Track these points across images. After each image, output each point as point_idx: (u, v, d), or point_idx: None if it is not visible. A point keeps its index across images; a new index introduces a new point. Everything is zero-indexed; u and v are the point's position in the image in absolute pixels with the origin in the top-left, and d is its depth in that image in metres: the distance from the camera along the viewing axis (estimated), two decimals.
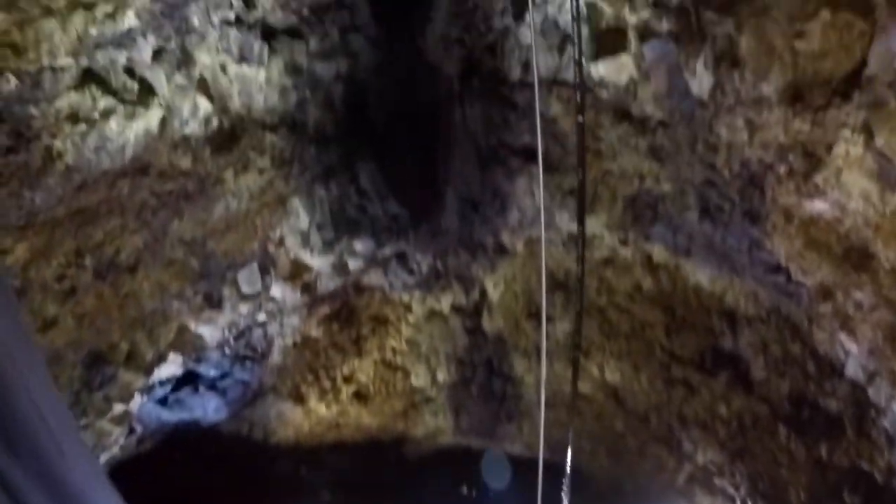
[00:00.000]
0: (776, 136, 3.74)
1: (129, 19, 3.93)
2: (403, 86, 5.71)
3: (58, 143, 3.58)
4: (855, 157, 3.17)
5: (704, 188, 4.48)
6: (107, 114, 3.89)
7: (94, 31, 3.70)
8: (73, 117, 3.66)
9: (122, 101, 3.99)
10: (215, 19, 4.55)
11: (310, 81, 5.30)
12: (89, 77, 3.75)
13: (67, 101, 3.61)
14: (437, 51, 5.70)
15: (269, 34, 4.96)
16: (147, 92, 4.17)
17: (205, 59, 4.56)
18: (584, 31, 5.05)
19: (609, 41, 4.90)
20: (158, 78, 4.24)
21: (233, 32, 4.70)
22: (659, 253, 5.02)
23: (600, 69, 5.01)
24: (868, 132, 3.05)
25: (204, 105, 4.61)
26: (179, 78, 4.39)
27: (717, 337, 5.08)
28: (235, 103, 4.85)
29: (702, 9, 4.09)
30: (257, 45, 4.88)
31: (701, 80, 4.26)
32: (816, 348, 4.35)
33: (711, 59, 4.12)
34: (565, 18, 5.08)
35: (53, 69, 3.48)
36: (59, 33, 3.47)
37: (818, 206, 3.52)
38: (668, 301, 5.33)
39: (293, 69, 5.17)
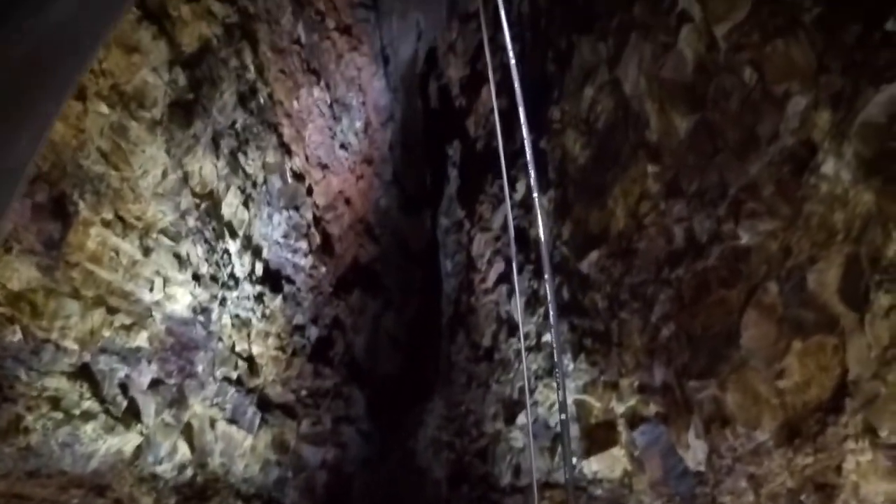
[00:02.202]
0: (783, 483, 3.51)
1: (141, 339, 4.15)
2: (390, 484, 5.51)
3: (29, 419, 3.41)
4: (867, 464, 2.95)
5: None
6: (87, 416, 3.77)
7: (107, 333, 3.89)
8: (55, 402, 3.56)
9: (107, 412, 3.91)
10: (218, 373, 4.74)
11: (294, 462, 5.17)
12: (85, 373, 3.78)
13: (56, 384, 3.57)
14: (427, 454, 5.66)
15: (264, 404, 5.06)
16: (132, 415, 4.11)
17: (197, 408, 4.58)
18: (574, 430, 5.14)
19: (600, 436, 4.93)
20: (148, 406, 4.21)
21: (231, 391, 4.82)
22: None
23: (593, 465, 4.92)
24: (870, 431, 2.92)
25: (184, 451, 4.44)
26: (168, 416, 4.36)
27: None
28: (215, 461, 4.66)
29: (685, 381, 4.28)
30: (251, 412, 4.94)
31: (695, 452, 4.18)
32: None
33: (702, 426, 4.13)
34: (556, 418, 5.20)
35: (57, 346, 3.55)
36: (77, 318, 3.66)
37: None
38: None
39: (280, 445, 5.10)
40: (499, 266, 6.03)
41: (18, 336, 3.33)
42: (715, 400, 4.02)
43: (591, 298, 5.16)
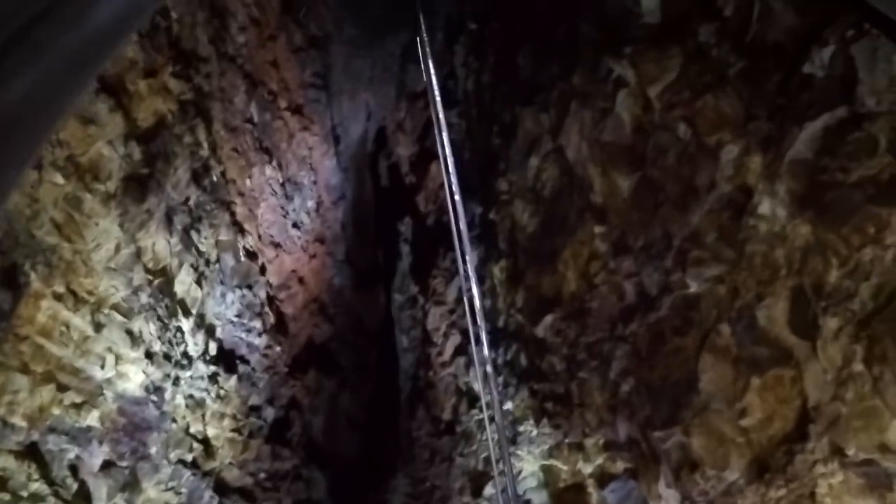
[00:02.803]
0: None
1: (92, 418, 3.99)
2: None
3: None
4: (839, 485, 2.99)
5: None
6: (35, 499, 3.57)
7: (56, 411, 3.73)
8: (1, 482, 3.37)
9: (56, 494, 3.71)
10: (172, 455, 4.55)
11: None
12: (33, 453, 3.59)
13: (3, 463, 3.39)
14: None
15: (221, 488, 4.86)
16: (83, 499, 3.91)
17: (151, 492, 4.37)
18: (543, 495, 5.08)
19: (569, 500, 4.88)
20: (100, 490, 4.01)
21: (186, 474, 4.62)
22: None
23: None
24: (838, 452, 2.98)
25: None
26: (120, 500, 4.15)
27: None
28: None
29: (649, 432, 4.31)
30: (207, 496, 4.74)
31: (668, 502, 4.17)
32: None
33: (671, 475, 4.15)
34: (524, 486, 5.13)
35: (4, 423, 3.40)
36: (25, 394, 3.52)
37: None
38: None
39: None
40: (455, 338, 6.06)
41: None
42: (681, 447, 4.05)
43: (549, 362, 5.21)
